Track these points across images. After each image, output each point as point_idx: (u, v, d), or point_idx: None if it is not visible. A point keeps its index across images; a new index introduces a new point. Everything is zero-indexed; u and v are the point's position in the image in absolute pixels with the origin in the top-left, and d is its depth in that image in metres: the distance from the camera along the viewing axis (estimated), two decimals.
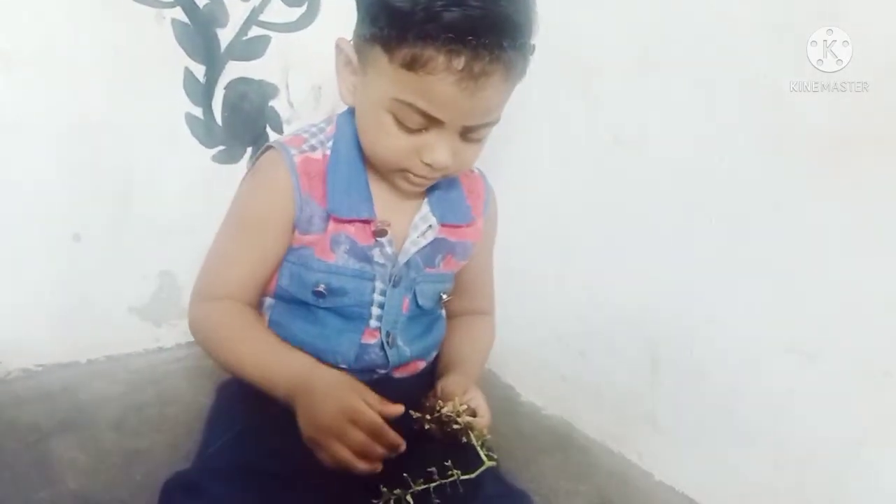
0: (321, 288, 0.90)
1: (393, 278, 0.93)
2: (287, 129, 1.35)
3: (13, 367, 1.21)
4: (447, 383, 0.92)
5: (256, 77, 1.29)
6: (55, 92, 1.11)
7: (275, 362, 0.84)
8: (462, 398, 0.87)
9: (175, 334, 1.37)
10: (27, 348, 1.21)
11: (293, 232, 0.89)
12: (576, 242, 1.30)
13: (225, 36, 1.23)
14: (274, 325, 0.92)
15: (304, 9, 1.29)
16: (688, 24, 1.07)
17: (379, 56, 0.77)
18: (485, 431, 0.88)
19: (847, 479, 0.96)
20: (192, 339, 1.35)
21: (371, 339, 0.95)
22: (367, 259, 0.91)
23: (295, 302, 0.92)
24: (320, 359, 0.94)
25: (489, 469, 0.82)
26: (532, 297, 1.35)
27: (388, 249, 0.91)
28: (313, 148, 0.89)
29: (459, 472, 0.80)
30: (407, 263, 0.93)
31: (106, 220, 1.23)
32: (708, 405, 1.11)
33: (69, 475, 0.98)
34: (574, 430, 1.31)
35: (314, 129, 0.92)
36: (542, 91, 1.20)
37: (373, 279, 0.92)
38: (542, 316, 1.36)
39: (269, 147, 0.90)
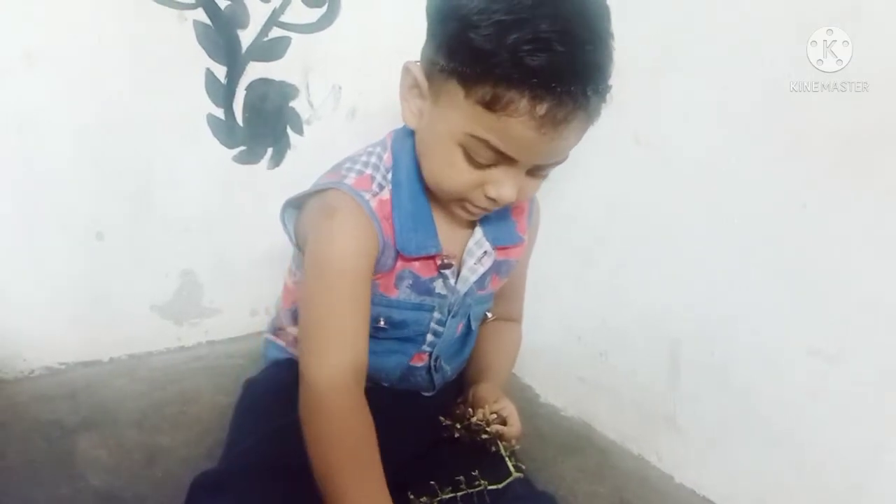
0: (382, 323, 0.89)
1: (452, 309, 0.92)
2: (307, 130, 1.36)
3: (36, 364, 1.22)
4: (478, 391, 0.92)
5: (277, 78, 1.30)
6: (77, 91, 1.12)
7: None
8: (493, 407, 0.88)
9: (196, 333, 1.39)
10: (50, 346, 1.23)
11: None
12: (596, 243, 1.29)
13: (246, 37, 1.24)
14: None
15: (324, 10, 1.30)
16: (707, 25, 1.06)
17: (454, 89, 0.73)
18: (514, 442, 0.88)
19: (868, 483, 0.95)
20: (212, 337, 1.39)
21: (419, 363, 0.95)
22: (429, 292, 0.90)
23: None
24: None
25: None
26: (552, 297, 1.35)
27: (451, 281, 0.90)
28: (381, 187, 0.85)
29: (486, 482, 0.80)
30: (466, 292, 0.92)
31: (128, 219, 1.24)
32: (729, 407, 1.10)
33: (91, 472, 0.98)
34: (593, 432, 1.30)
35: (374, 161, 0.87)
36: None
37: (431, 310, 0.91)
38: (562, 316, 1.36)
39: (331, 188, 0.84)
